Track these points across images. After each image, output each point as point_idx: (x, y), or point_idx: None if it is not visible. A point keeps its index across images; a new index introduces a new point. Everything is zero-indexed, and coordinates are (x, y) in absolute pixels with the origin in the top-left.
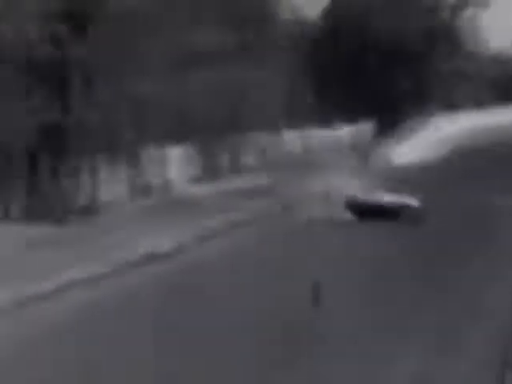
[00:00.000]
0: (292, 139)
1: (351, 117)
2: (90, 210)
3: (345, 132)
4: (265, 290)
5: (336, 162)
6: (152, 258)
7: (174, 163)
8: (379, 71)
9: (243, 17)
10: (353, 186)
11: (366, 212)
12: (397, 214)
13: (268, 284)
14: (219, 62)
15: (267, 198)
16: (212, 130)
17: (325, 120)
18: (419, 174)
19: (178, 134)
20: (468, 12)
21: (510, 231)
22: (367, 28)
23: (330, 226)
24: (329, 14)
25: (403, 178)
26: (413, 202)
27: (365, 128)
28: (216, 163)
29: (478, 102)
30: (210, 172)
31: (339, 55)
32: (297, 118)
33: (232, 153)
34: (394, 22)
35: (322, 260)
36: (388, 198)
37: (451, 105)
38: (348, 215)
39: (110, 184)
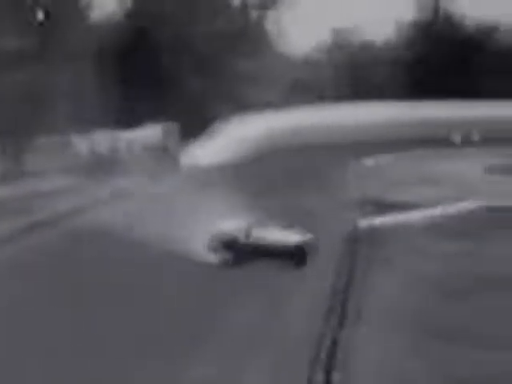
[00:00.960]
0: (99, 140)
1: (156, 118)
2: None
3: (150, 133)
4: None
5: (144, 163)
6: None
7: None
8: (181, 71)
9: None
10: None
11: (245, 254)
12: (283, 256)
13: None
14: (18, 66)
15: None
16: (12, 131)
17: (131, 121)
18: (221, 174)
19: None
20: (273, 13)
21: None
22: (168, 29)
23: None
24: (132, 14)
25: (207, 179)
26: (300, 238)
27: (169, 129)
28: (18, 165)
29: (280, 104)
30: (11, 174)
31: (143, 56)
32: (104, 118)
33: (37, 155)
34: (193, 22)
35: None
36: (274, 236)
37: (252, 106)
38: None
39: None
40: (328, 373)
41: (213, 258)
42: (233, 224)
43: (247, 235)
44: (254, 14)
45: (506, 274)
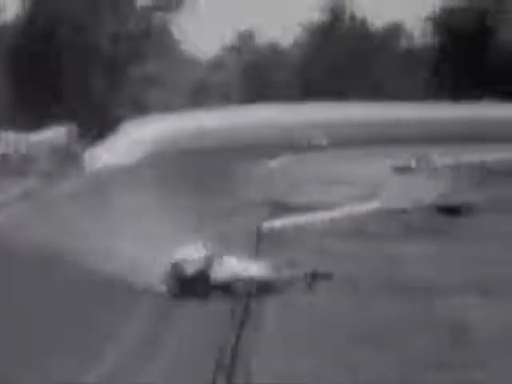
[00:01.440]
0: (3, 142)
1: (59, 119)
2: None
3: (54, 134)
4: None
5: (47, 165)
6: None
7: None
8: (85, 73)
9: None
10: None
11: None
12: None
13: None
14: None
15: None
16: None
17: (36, 122)
18: (117, 178)
19: None
20: (179, 15)
21: None
22: (60, 30)
23: None
24: (35, 16)
25: (109, 181)
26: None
27: (72, 131)
28: None
29: (185, 106)
30: None
31: (46, 58)
32: (7, 120)
33: None
34: (98, 24)
35: None
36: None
37: (156, 107)
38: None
39: None
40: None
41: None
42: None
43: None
44: (159, 16)
45: (408, 275)
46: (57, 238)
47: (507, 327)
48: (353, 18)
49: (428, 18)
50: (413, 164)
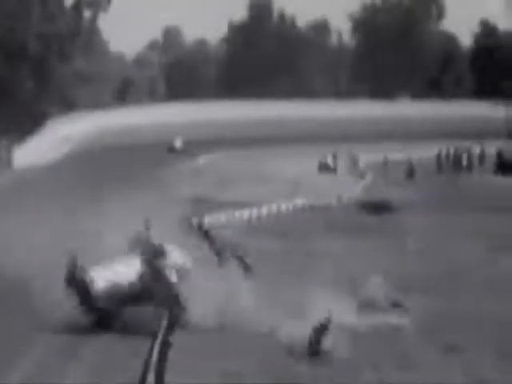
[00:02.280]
0: None
1: None
2: None
3: None
4: None
5: None
6: None
7: None
8: (13, 72)
9: None
10: None
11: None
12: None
13: None
14: None
15: None
16: None
17: None
18: (43, 175)
19: None
20: (106, 13)
21: None
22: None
23: None
24: None
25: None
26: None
27: None
28: None
29: (111, 103)
30: None
31: None
32: None
33: None
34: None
35: None
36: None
37: (83, 105)
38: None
39: None
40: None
41: None
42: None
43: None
44: (86, 13)
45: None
46: None
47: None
48: (282, 15)
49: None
50: (336, 162)
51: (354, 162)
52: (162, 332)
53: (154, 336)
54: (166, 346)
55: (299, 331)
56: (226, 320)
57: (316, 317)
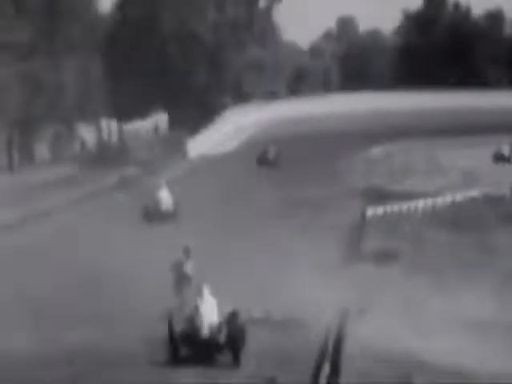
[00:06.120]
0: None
1: (151, 108)
2: None
3: (150, 124)
4: None
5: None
6: None
7: None
8: (177, 63)
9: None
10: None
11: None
12: None
13: None
14: (25, 58)
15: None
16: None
17: (127, 112)
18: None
19: None
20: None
21: None
22: (162, 20)
23: None
24: (122, 6)
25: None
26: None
27: (163, 119)
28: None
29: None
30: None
31: (136, 48)
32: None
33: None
34: (188, 14)
35: None
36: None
37: (247, 96)
38: None
39: None
40: None
41: None
42: None
43: None
44: (262, 3)
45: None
46: None
47: None
48: (456, 5)
49: None
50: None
51: None
52: None
53: None
54: None
55: None
56: None
57: None
